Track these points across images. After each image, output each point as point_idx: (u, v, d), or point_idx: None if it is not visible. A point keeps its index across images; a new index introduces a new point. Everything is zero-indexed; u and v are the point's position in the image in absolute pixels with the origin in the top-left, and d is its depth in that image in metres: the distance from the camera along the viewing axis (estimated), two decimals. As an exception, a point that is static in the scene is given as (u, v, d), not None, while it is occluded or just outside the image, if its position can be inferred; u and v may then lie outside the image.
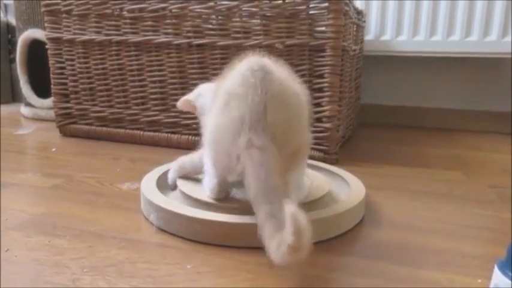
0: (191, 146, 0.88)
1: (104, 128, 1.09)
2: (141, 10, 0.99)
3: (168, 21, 0.98)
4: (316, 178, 0.69)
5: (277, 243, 0.40)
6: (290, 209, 0.39)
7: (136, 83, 1.05)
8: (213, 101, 0.56)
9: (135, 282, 0.44)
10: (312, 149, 0.92)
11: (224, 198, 0.59)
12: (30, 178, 0.79)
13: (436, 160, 0.98)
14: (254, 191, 0.46)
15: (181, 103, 0.74)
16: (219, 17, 0.94)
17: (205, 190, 0.60)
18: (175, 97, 1.01)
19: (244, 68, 0.52)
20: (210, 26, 0.95)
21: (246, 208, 0.55)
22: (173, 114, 1.02)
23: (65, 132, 1.14)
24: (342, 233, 0.57)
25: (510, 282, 0.36)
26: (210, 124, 0.54)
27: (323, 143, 0.91)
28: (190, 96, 0.75)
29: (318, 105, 0.89)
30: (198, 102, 0.70)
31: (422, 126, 1.39)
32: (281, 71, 0.53)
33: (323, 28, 0.87)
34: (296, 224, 0.38)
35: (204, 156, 0.60)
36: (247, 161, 0.47)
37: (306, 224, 0.39)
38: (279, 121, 0.49)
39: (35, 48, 1.35)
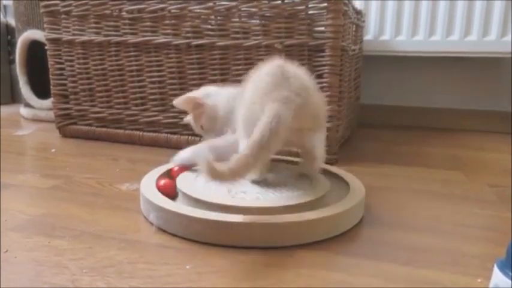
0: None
1: (104, 129, 1.09)
2: (140, 11, 0.99)
3: (167, 21, 0.98)
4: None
5: None
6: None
7: (136, 84, 1.04)
8: (241, 97, 0.63)
9: (135, 282, 0.44)
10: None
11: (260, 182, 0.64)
12: (30, 179, 0.79)
13: (435, 160, 0.98)
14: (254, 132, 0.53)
15: (183, 101, 0.75)
16: (218, 18, 0.94)
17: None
18: (175, 97, 1.01)
19: (268, 65, 0.61)
20: (209, 27, 0.95)
21: (246, 208, 0.55)
22: (172, 114, 1.02)
23: (65, 133, 1.14)
24: (342, 232, 0.57)
25: (510, 281, 0.36)
26: (243, 108, 0.61)
27: (323, 143, 0.91)
28: (196, 94, 0.75)
29: (317, 105, 0.89)
30: (210, 101, 0.75)
31: (421, 126, 1.39)
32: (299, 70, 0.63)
33: (322, 28, 0.87)
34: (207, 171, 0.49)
35: (240, 142, 0.63)
36: (266, 111, 0.54)
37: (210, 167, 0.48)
38: (299, 88, 0.58)
39: (35, 49, 1.34)
